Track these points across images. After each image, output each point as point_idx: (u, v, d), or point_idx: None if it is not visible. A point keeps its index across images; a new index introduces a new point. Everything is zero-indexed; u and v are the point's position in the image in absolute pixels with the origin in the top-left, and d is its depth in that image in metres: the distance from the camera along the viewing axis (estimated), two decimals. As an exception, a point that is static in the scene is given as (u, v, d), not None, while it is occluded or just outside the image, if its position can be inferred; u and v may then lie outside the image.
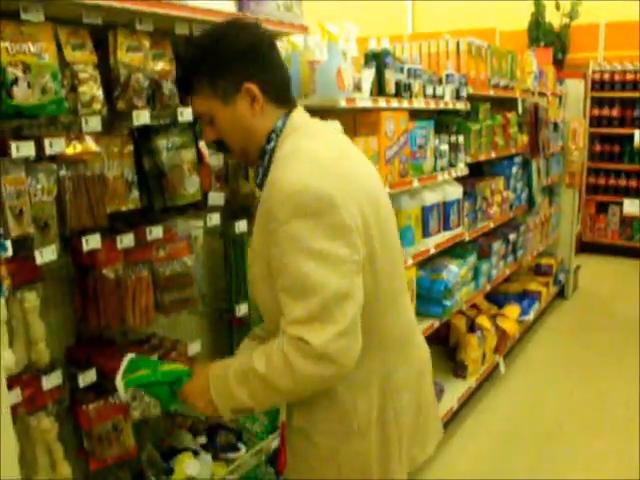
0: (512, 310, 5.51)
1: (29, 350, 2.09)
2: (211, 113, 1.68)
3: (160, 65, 2.33)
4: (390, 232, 1.75)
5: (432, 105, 3.69)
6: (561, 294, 7.12)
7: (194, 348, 2.64)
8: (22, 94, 1.85)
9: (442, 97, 3.86)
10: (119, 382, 1.84)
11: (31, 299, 2.06)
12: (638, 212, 8.77)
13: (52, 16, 1.93)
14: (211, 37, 1.68)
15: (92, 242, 2.09)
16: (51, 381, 2.07)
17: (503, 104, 5.18)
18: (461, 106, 4.08)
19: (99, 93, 2.07)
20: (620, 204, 8.90)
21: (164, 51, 2.35)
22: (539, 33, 8.62)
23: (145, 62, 2.25)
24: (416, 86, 3.50)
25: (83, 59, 2.05)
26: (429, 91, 3.67)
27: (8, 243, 1.86)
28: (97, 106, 2.06)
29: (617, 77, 8.61)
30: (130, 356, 1.94)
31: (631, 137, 8.55)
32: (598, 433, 4.35)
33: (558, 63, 8.31)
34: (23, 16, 1.82)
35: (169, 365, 1.89)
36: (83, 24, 2.03)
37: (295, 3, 2.66)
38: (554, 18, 8.82)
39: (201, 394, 1.69)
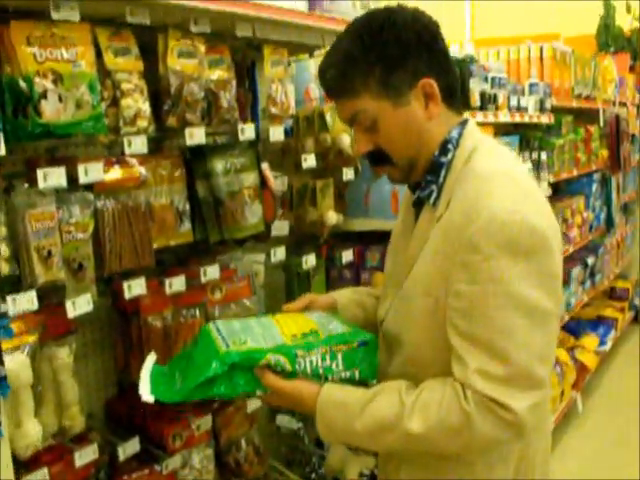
0: (590, 341, 5.03)
1: (60, 415, 1.75)
2: (375, 116, 1.36)
3: (217, 73, 1.98)
4: None
5: (517, 118, 3.27)
6: (635, 319, 6.58)
7: (254, 404, 2.26)
8: (52, 109, 1.50)
9: (526, 109, 3.43)
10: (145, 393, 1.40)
11: (63, 356, 1.72)
12: None
13: (89, 15, 1.58)
14: (379, 23, 1.36)
15: (135, 288, 1.73)
16: (85, 456, 1.71)
17: (581, 115, 4.73)
18: (545, 119, 3.65)
19: (145, 107, 1.71)
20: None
21: (222, 57, 2.00)
22: (608, 38, 8.07)
23: (200, 70, 1.89)
24: (500, 97, 3.09)
25: (127, 66, 1.70)
26: (513, 102, 3.25)
27: (33, 294, 1.51)
28: (143, 123, 1.70)
29: (694, 85, 8.02)
30: (152, 361, 1.50)
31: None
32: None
33: (630, 70, 7.76)
34: (54, 15, 1.47)
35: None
36: (127, 24, 1.68)
37: (373, 2, 2.29)
38: (624, 22, 8.28)
39: (296, 408, 1.45)
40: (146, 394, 1.37)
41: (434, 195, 1.39)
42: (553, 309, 1.29)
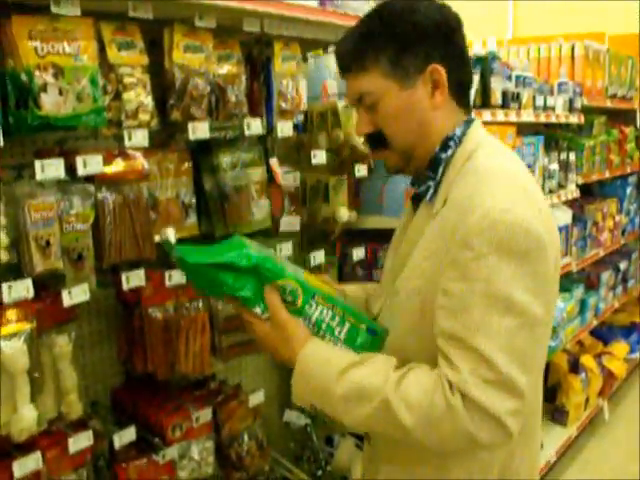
0: (620, 348, 4.90)
1: (59, 401, 1.78)
2: (378, 96, 1.36)
3: (226, 68, 1.99)
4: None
5: (542, 118, 3.21)
6: (671, 327, 6.40)
7: (256, 398, 2.27)
8: (51, 102, 1.52)
9: (553, 109, 3.37)
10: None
11: (62, 344, 1.75)
12: None
13: (95, 10, 1.60)
14: (401, 7, 1.36)
15: (134, 279, 1.75)
16: (79, 443, 1.74)
17: (616, 116, 4.62)
18: (574, 119, 3.57)
19: (148, 101, 1.73)
20: None
21: (231, 52, 2.01)
22: (654, 37, 7.87)
23: (207, 64, 1.90)
24: (525, 96, 3.03)
25: (131, 60, 1.72)
26: (539, 102, 3.19)
27: (29, 282, 1.55)
28: (145, 117, 1.72)
29: None
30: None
31: None
32: None
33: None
34: (54, 9, 1.50)
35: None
36: (136, 19, 1.71)
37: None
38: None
39: (278, 347, 1.36)
40: (172, 239, 1.40)
41: (431, 191, 1.37)
42: (543, 315, 1.23)
